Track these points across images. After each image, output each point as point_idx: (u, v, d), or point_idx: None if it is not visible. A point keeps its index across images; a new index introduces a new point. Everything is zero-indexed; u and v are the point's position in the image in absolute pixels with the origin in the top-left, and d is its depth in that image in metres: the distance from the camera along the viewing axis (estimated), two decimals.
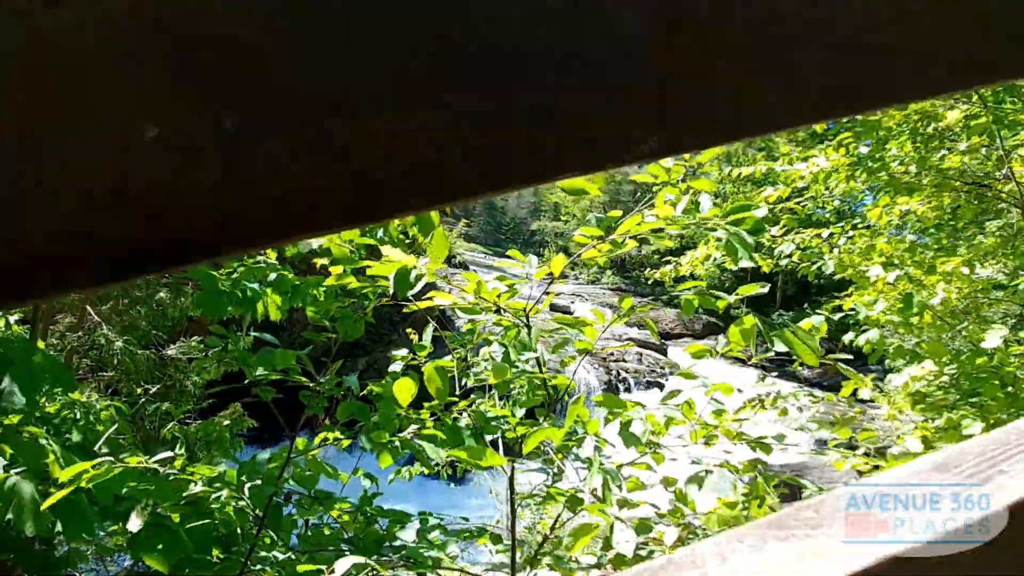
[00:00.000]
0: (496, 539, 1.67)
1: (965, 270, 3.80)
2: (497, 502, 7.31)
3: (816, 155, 4.37)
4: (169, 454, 1.60)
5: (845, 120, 4.59)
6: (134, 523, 1.49)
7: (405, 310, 1.88)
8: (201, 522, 1.50)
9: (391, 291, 1.74)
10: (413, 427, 1.45)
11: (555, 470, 2.13)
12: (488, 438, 1.74)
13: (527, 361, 1.54)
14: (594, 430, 1.71)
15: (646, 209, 1.39)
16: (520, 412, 1.75)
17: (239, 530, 1.51)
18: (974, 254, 4.22)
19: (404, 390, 1.38)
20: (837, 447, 2.16)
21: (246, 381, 1.60)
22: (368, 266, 1.47)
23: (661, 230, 1.49)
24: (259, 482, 1.56)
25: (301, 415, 1.71)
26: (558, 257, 1.41)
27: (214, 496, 1.49)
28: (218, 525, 1.48)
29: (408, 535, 1.50)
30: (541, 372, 1.60)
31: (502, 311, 1.52)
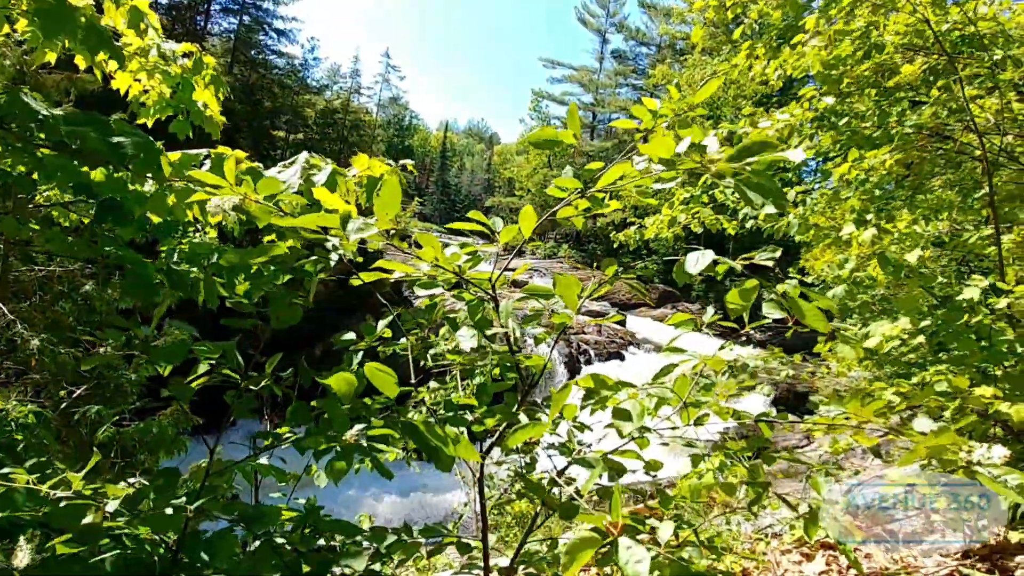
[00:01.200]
0: (463, 548, 1.45)
1: (918, 229, 3.77)
2: (464, 484, 7.14)
3: (778, 113, 4.25)
4: (65, 474, 1.32)
5: (804, 76, 4.48)
6: (21, 558, 1.20)
7: (353, 281, 1.62)
8: (110, 553, 1.23)
9: (332, 263, 1.48)
10: (358, 427, 1.21)
11: (527, 460, 1.93)
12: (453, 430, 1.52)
13: (495, 337, 1.31)
14: (571, 415, 1.51)
15: (634, 155, 1.17)
16: (486, 398, 1.53)
17: (156, 559, 1.25)
18: (924, 210, 4.21)
19: (343, 382, 1.13)
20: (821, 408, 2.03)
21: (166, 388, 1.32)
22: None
23: (644, 188, 1.28)
24: (182, 500, 1.29)
25: (228, 413, 1.44)
26: (527, 210, 1.18)
27: (125, 521, 1.23)
28: (129, 557, 1.22)
29: (358, 564, 1.27)
30: (512, 352, 1.38)
31: (465, 283, 1.28)
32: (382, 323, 1.36)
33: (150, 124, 3.79)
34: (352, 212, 1.02)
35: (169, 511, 1.17)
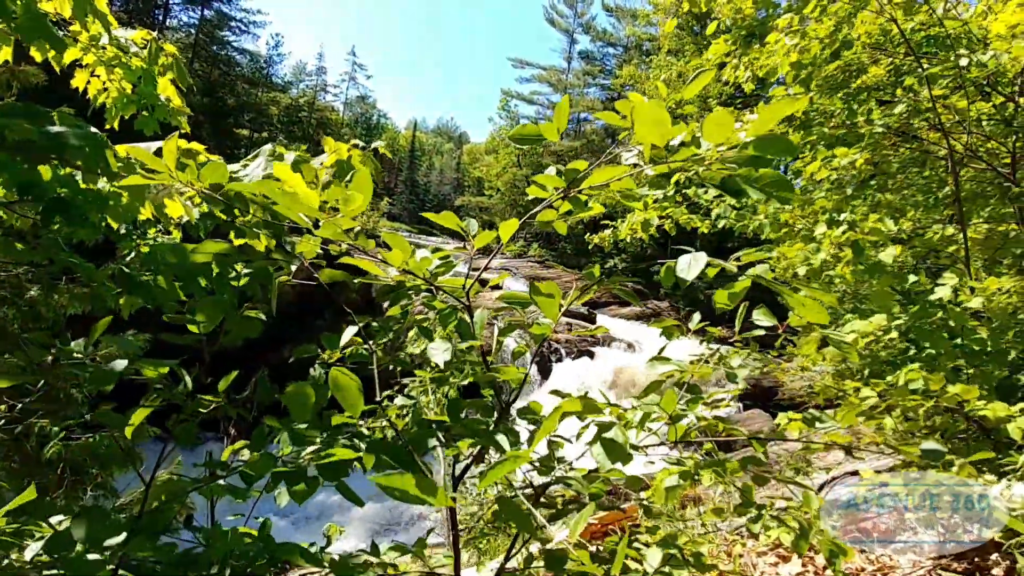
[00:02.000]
0: None
1: (882, 227, 3.81)
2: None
3: (748, 114, 4.25)
4: None
5: (774, 78, 4.50)
6: None
7: (322, 276, 1.49)
8: None
9: (293, 265, 1.35)
10: (311, 448, 1.09)
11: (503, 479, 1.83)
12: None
13: (468, 349, 1.21)
14: (550, 429, 1.41)
15: (624, 152, 1.08)
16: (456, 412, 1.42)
17: None
18: (888, 212, 4.25)
19: (298, 398, 1.01)
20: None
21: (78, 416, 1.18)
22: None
23: (630, 192, 1.19)
24: (120, 536, 1.15)
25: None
26: (509, 222, 1.08)
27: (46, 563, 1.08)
28: None
29: None
30: (487, 364, 1.28)
31: (436, 290, 1.18)
32: (346, 334, 1.25)
33: (116, 126, 3.60)
34: (314, 198, 0.91)
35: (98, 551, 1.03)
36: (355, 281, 1.13)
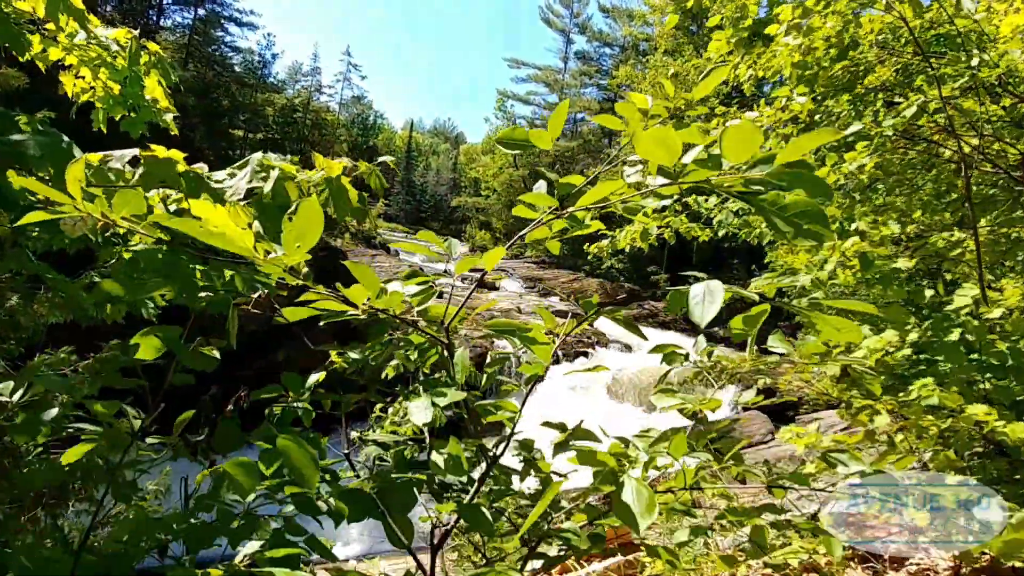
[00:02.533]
0: None
1: (885, 231, 3.68)
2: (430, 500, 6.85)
3: (747, 113, 4.12)
4: None
5: (776, 78, 4.38)
6: None
7: (285, 313, 1.35)
8: None
9: (250, 293, 1.21)
10: (252, 546, 0.95)
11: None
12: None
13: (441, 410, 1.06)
14: (546, 469, 1.27)
15: (627, 166, 0.94)
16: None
17: None
18: (895, 215, 4.12)
19: (241, 473, 0.87)
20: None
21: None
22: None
23: (632, 205, 1.05)
24: None
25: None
26: (494, 251, 0.93)
27: None
28: None
29: None
30: (469, 411, 1.13)
31: (410, 326, 1.03)
32: (312, 377, 1.11)
33: (104, 128, 3.47)
34: (248, 240, 0.76)
35: None
36: (320, 324, 0.99)
